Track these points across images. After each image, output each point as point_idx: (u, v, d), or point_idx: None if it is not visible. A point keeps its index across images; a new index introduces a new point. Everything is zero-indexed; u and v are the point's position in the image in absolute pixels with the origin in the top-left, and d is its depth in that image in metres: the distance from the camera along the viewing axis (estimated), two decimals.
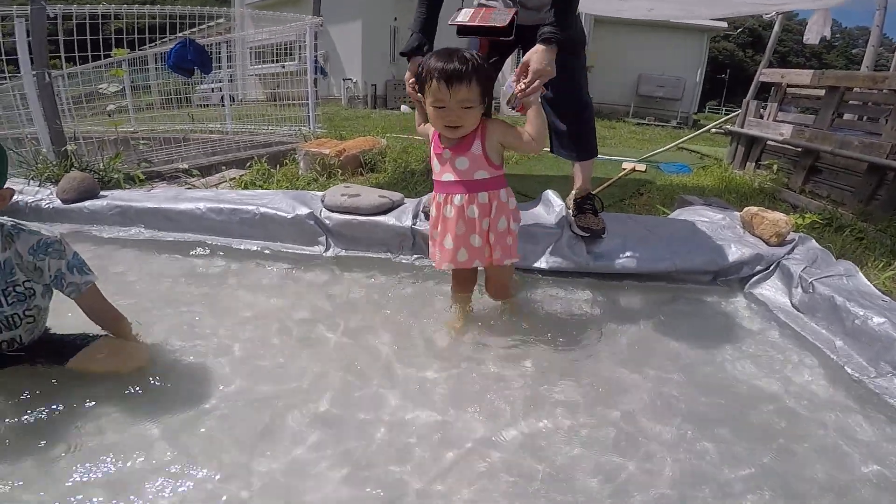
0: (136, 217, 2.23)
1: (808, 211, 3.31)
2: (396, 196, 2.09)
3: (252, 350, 1.46)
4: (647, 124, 11.43)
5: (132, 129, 5.13)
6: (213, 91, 6.71)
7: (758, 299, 1.81)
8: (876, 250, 2.51)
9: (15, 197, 1.10)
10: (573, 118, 1.91)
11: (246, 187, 2.97)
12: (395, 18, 14.58)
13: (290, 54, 5.73)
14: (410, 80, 1.48)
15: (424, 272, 1.93)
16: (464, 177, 1.42)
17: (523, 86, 1.40)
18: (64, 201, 2.29)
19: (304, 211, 2.03)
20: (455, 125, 1.36)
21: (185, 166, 3.54)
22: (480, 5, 1.76)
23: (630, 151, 5.53)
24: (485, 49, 1.66)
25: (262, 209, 2.08)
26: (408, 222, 1.95)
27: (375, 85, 14.14)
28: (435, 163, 1.48)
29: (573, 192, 2.05)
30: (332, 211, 2.01)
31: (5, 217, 1.19)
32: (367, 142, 4.03)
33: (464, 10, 1.56)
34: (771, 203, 3.43)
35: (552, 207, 2.10)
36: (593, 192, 2.03)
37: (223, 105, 5.96)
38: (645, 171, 4.00)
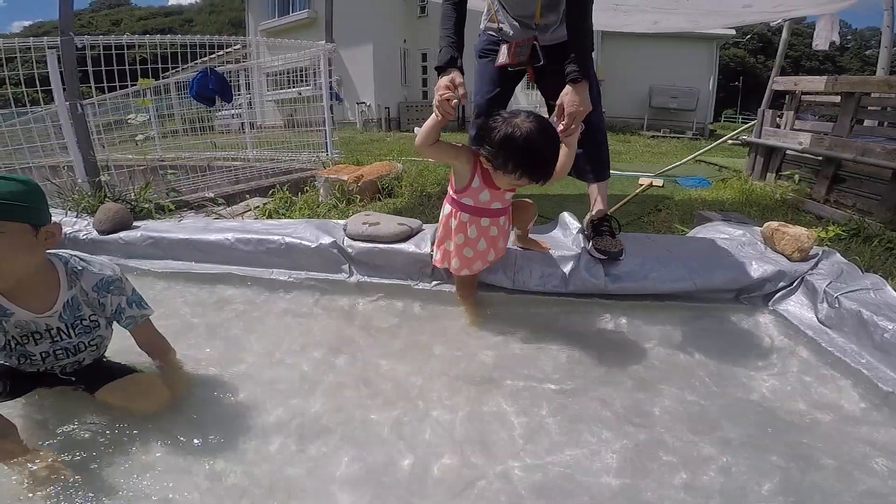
0: (168, 248, 2.31)
1: (834, 221, 3.26)
2: (415, 223, 2.13)
3: (283, 376, 1.50)
4: (663, 136, 11.37)
5: (158, 157, 5.33)
6: (233, 117, 6.94)
7: (782, 316, 1.78)
8: None
9: None
10: (588, 141, 1.94)
11: (270, 216, 3.06)
12: (405, 41, 14.89)
13: (305, 80, 5.90)
14: (442, 93, 1.54)
15: (442, 298, 1.95)
16: (491, 206, 1.68)
17: (562, 127, 1.61)
18: (100, 232, 2.38)
19: (327, 240, 2.09)
20: (513, 189, 1.66)
21: (212, 195, 3.67)
22: (501, 40, 1.89)
23: (646, 166, 5.52)
24: (532, 77, 1.94)
25: (288, 239, 2.14)
26: (426, 248, 1.99)
27: (388, 108, 14.40)
28: (484, 193, 1.65)
29: (590, 213, 2.07)
30: (354, 239, 2.06)
31: (68, 252, 1.28)
32: (384, 167, 4.12)
33: (501, 51, 1.86)
34: (795, 215, 3.39)
35: (569, 230, 2.12)
36: (609, 214, 2.04)
37: (243, 132, 6.16)
38: (662, 187, 3.99)
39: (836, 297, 1.67)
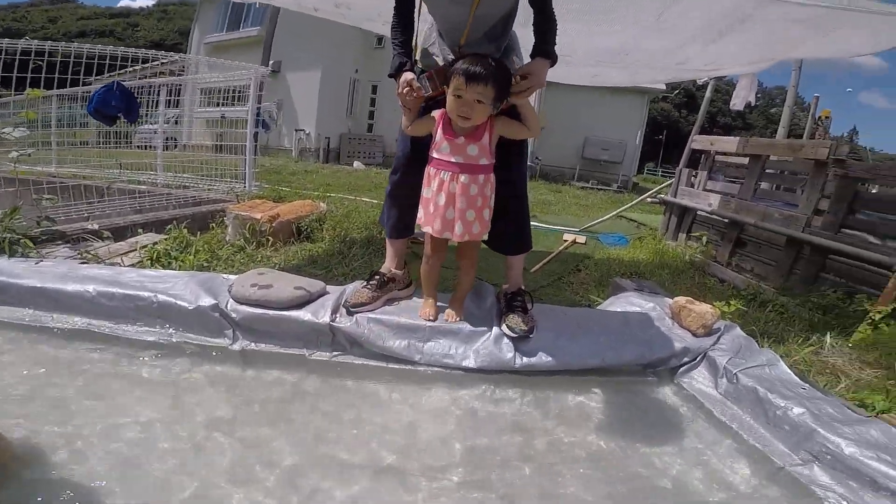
0: (17, 297, 1.95)
1: (734, 286, 3.43)
2: (316, 286, 1.93)
3: (137, 455, 1.28)
4: (591, 188, 11.93)
5: (49, 174, 4.74)
6: (156, 133, 6.41)
7: (686, 390, 1.81)
8: (796, 325, 2.62)
9: None
10: (509, 211, 1.89)
11: (158, 259, 2.72)
12: (357, 70, 14.68)
13: (239, 100, 5.53)
14: (405, 90, 1.70)
15: (342, 371, 1.77)
16: (473, 161, 1.71)
17: (516, 89, 1.65)
18: None
19: (207, 301, 1.84)
20: (466, 116, 1.62)
21: (96, 227, 3.24)
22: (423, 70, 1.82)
23: (572, 219, 5.68)
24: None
25: (161, 297, 1.86)
26: (325, 318, 1.79)
27: (329, 138, 14.01)
28: (444, 145, 1.72)
29: (505, 286, 1.99)
30: (241, 303, 1.83)
31: None
32: (305, 206, 3.87)
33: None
34: (701, 278, 3.53)
35: (484, 301, 2.02)
36: (523, 287, 1.98)
37: (167, 150, 5.68)
38: (585, 244, 4.06)
39: (735, 373, 1.74)
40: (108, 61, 4.08)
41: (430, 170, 1.77)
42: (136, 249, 2.85)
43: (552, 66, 1.71)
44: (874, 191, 4.63)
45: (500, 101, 1.64)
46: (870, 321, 2.37)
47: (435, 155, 1.75)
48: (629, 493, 1.32)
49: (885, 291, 2.50)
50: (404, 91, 1.70)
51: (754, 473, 1.42)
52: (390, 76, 1.79)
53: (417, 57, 1.89)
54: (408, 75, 1.71)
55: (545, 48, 1.69)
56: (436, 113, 1.77)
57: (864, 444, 1.34)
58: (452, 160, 1.71)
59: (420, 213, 1.82)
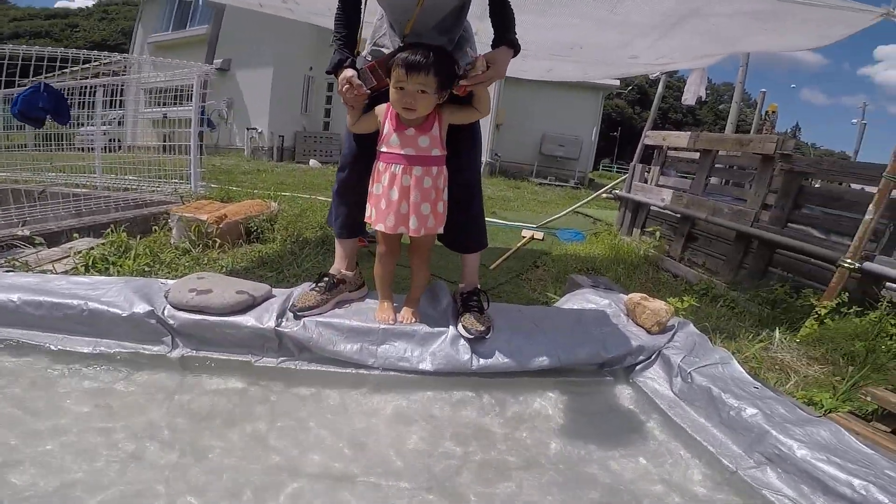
0: None
1: (687, 281, 3.52)
2: (261, 290, 1.83)
3: (68, 466, 1.21)
4: (549, 184, 12.09)
5: None
6: (104, 134, 6.01)
7: (641, 389, 1.81)
8: (746, 320, 2.68)
9: None
10: (463, 206, 1.84)
11: (94, 264, 2.53)
12: (311, 68, 14.30)
13: (185, 100, 5.28)
14: (345, 87, 1.63)
15: (290, 377, 1.68)
16: (425, 153, 1.66)
17: (478, 78, 1.58)
18: None
19: (142, 308, 1.70)
20: (410, 107, 1.57)
21: (27, 233, 2.99)
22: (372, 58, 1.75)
23: (530, 216, 5.73)
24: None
25: (92, 304, 1.72)
26: (271, 322, 1.69)
27: (283, 136, 13.58)
28: (394, 138, 1.66)
29: (460, 284, 1.95)
30: (178, 309, 1.70)
31: None
32: (255, 206, 3.71)
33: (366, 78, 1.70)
34: (654, 273, 3.61)
35: (439, 302, 1.96)
36: (479, 287, 1.94)
37: (111, 152, 5.35)
38: (543, 240, 4.09)
39: (689, 371, 1.74)
40: (45, 62, 3.84)
41: (379, 165, 1.70)
42: (69, 255, 2.64)
43: (515, 55, 1.67)
44: (817, 185, 4.87)
45: (444, 90, 1.59)
46: (815, 316, 2.44)
47: (384, 149, 1.69)
48: (588, 500, 1.29)
49: (830, 287, 2.60)
50: (344, 89, 1.63)
51: (708, 477, 1.41)
52: (328, 73, 1.71)
53: (364, 52, 1.81)
54: (348, 72, 1.64)
55: (507, 37, 1.65)
56: (380, 108, 1.70)
57: (815, 447, 1.34)
58: (403, 153, 1.65)
59: (369, 211, 1.74)
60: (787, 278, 3.12)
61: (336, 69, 1.67)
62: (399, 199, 1.65)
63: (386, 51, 1.75)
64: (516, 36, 1.68)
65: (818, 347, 2.25)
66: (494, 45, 1.67)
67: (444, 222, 1.76)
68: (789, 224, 3.26)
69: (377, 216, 1.71)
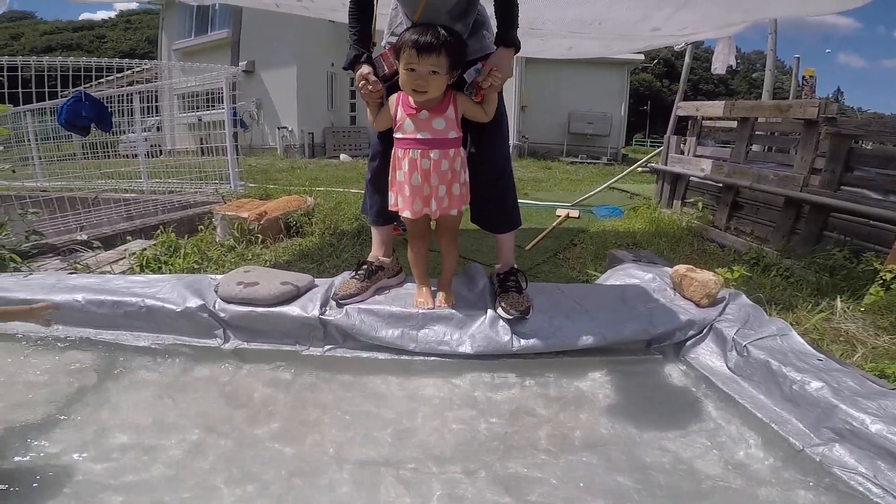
0: None
1: (735, 250, 3.38)
2: (304, 280, 1.87)
3: (134, 457, 1.27)
4: (580, 162, 11.83)
5: (39, 187, 4.65)
6: (145, 140, 6.28)
7: (693, 366, 1.73)
8: (804, 290, 2.54)
9: None
10: (493, 186, 1.82)
11: (148, 264, 2.67)
12: (332, 64, 14.46)
13: (213, 103, 5.45)
14: (360, 84, 1.64)
15: (336, 365, 1.71)
16: (440, 135, 1.64)
17: (490, 84, 1.60)
18: None
19: (195, 303, 1.78)
20: (421, 89, 1.55)
21: (85, 237, 3.17)
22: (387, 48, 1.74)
23: (564, 195, 5.62)
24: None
25: (149, 301, 1.81)
26: (315, 311, 1.73)
27: (313, 133, 13.84)
28: (407, 123, 1.64)
29: (496, 265, 1.93)
30: (228, 302, 1.77)
31: None
32: (293, 202, 3.81)
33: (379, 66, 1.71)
34: (700, 244, 3.48)
35: (476, 284, 1.95)
36: (516, 266, 1.91)
37: (153, 157, 5.58)
38: (578, 218, 4.01)
39: (745, 345, 1.64)
40: (82, 73, 4.03)
41: (397, 151, 1.68)
42: (125, 257, 2.79)
43: (516, 53, 1.65)
44: (868, 147, 4.58)
45: (455, 69, 1.57)
46: (880, 282, 2.27)
47: (399, 135, 1.67)
48: (641, 481, 1.25)
49: (894, 249, 2.43)
50: (360, 85, 1.63)
51: (773, 456, 1.33)
52: (345, 69, 1.70)
53: (382, 42, 1.80)
54: (364, 69, 1.63)
55: (506, 35, 1.63)
56: (391, 98, 1.69)
57: (892, 420, 1.22)
58: (419, 136, 1.63)
59: (395, 200, 1.73)
60: (844, 242, 2.95)
61: (352, 65, 1.67)
62: (422, 182, 1.65)
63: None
64: (517, 29, 1.65)
65: (886, 316, 2.09)
66: (495, 44, 1.65)
67: (465, 202, 1.75)
68: (842, 187, 3.10)
69: (403, 203, 1.70)
